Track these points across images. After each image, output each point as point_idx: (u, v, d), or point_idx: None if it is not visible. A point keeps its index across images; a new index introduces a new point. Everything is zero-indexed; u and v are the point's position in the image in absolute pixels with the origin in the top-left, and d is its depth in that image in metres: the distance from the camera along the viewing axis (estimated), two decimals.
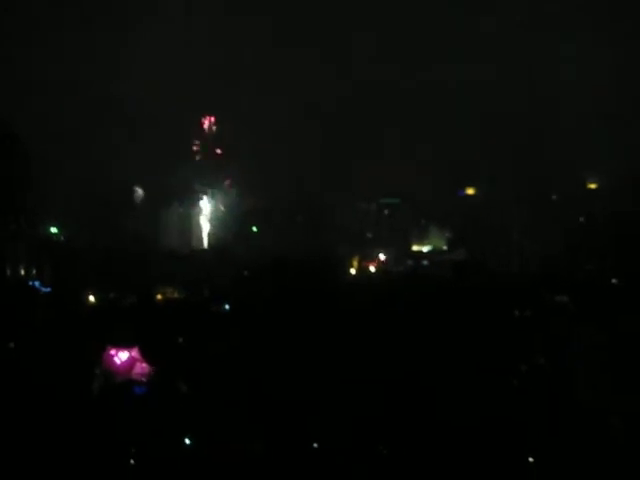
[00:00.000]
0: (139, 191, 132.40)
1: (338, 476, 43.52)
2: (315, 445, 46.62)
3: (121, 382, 56.78)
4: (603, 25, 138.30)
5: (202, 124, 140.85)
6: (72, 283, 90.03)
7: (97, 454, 44.37)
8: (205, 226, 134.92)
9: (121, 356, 58.76)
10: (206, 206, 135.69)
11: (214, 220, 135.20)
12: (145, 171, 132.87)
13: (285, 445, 45.50)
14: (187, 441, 47.46)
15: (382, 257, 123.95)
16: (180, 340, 66.73)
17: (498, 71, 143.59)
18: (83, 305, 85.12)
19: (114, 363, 58.66)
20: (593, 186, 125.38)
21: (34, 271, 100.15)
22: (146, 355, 58.85)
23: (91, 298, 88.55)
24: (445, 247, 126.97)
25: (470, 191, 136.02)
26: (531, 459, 44.42)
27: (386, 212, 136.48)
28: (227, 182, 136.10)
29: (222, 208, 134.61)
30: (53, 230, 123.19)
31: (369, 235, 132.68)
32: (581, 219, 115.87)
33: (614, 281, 77.62)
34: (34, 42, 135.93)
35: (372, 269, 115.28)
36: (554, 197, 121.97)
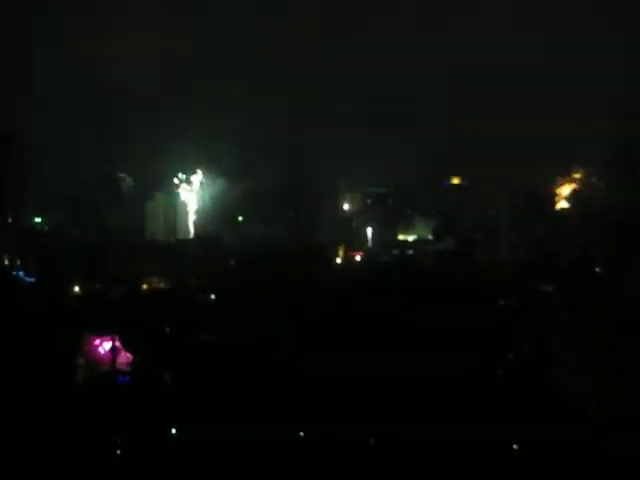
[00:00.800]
0: (128, 179, 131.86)
1: (325, 463, 43.68)
2: (302, 434, 46.76)
3: (105, 372, 56.58)
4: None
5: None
6: (57, 273, 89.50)
7: (82, 444, 44.23)
8: (191, 216, 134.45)
9: (105, 346, 58.53)
10: (192, 195, 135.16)
11: (200, 209, 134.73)
12: (130, 160, 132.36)
13: (272, 433, 45.52)
14: (173, 431, 47.41)
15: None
16: (166, 330, 66.52)
17: (487, 60, 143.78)
18: (68, 296, 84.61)
19: (98, 353, 58.42)
20: (578, 175, 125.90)
21: (18, 261, 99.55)
22: (131, 345, 58.63)
23: (76, 289, 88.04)
24: (430, 237, 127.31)
25: (455, 181, 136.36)
26: (515, 446, 44.73)
27: (371, 201, 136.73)
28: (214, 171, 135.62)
29: (208, 197, 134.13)
30: (37, 220, 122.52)
31: (355, 224, 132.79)
32: (564, 208, 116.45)
33: (597, 270, 77.88)
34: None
35: (358, 258, 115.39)
36: (538, 187, 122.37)
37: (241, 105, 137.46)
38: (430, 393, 49.41)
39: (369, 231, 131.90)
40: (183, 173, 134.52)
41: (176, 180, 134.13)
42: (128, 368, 57.11)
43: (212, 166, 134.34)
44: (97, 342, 58.64)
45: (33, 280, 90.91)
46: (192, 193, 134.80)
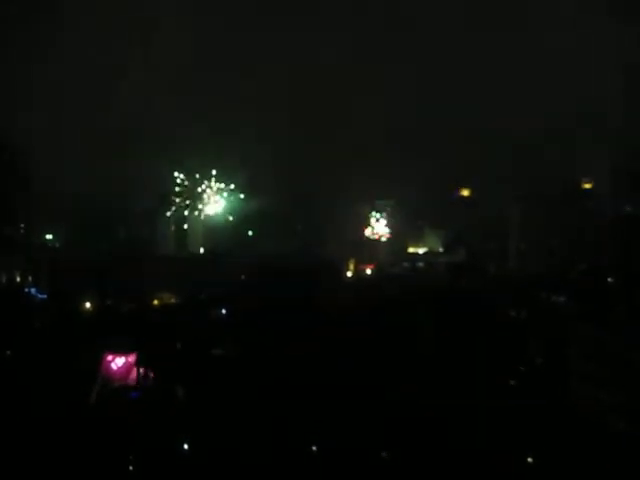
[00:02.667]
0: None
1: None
2: (314, 448, 46.63)
3: (118, 387, 56.66)
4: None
5: None
6: (69, 290, 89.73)
7: (95, 461, 44.25)
8: (201, 231, 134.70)
9: (118, 362, 58.62)
10: (202, 211, 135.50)
11: (210, 225, 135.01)
12: (142, 176, 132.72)
13: (283, 448, 45.44)
14: (185, 446, 47.37)
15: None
16: (178, 346, 66.62)
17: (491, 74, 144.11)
18: (80, 312, 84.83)
19: (111, 369, 58.52)
20: (588, 186, 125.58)
21: (30, 278, 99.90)
22: (144, 361, 58.72)
23: (87, 305, 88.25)
24: (441, 249, 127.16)
25: (465, 192, 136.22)
26: (530, 459, 44.43)
27: (381, 215, 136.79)
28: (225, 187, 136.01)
29: (219, 213, 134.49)
30: (48, 237, 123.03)
31: (365, 237, 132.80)
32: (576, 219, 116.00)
33: (610, 280, 77.60)
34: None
35: (368, 272, 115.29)
36: (549, 198, 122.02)
37: (251, 123, 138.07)
38: (446, 404, 49.31)
39: (379, 244, 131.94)
40: (194, 189, 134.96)
41: (186, 195, 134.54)
42: (138, 384, 57.19)
43: (222, 182, 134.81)
44: (109, 358, 58.74)
45: (45, 297, 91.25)
46: (203, 209, 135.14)
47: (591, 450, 43.33)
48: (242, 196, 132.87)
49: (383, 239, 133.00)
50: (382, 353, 58.13)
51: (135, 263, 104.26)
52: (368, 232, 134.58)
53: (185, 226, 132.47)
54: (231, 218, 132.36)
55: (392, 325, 64.74)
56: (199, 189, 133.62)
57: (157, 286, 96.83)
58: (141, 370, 58.20)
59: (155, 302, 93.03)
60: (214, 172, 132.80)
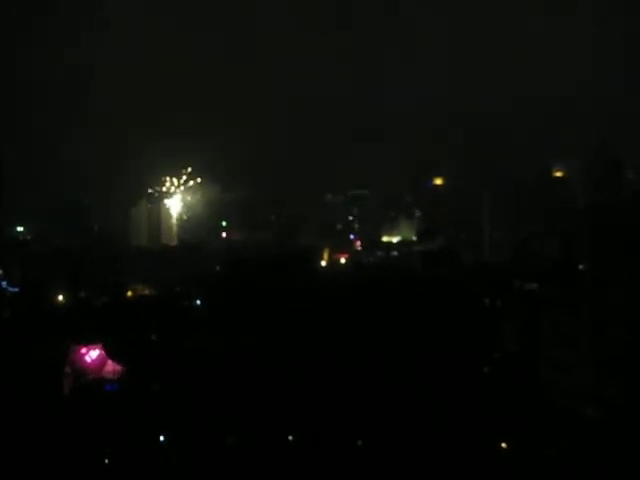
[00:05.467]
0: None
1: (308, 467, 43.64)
2: (290, 438, 46.70)
3: (92, 380, 56.22)
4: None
5: None
6: (41, 282, 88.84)
7: (70, 454, 43.91)
8: (175, 222, 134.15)
9: (92, 354, 58.16)
10: (176, 203, 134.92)
11: (184, 216, 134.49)
12: (113, 169, 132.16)
13: (258, 438, 45.46)
14: (162, 438, 47.18)
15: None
16: (153, 337, 66.33)
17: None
18: (52, 304, 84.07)
19: (85, 361, 58.04)
20: (559, 174, 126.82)
21: (1, 271, 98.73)
22: (118, 352, 58.30)
23: (60, 297, 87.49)
24: (414, 238, 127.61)
25: (438, 181, 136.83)
26: (504, 445, 44.86)
27: (355, 203, 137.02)
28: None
29: (192, 204, 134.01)
30: (19, 229, 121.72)
31: (339, 227, 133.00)
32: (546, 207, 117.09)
33: (581, 267, 78.40)
34: None
35: (343, 260, 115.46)
36: (520, 184, 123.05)
37: (225, 117, 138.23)
38: (419, 391, 49.55)
39: (353, 233, 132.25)
40: (166, 180, 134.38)
41: (159, 187, 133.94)
42: (115, 376, 56.82)
43: (196, 174, 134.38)
44: (83, 351, 58.24)
45: (17, 290, 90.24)
46: (176, 200, 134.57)
47: (558, 435, 43.90)
48: (215, 189, 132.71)
49: (357, 228, 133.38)
50: (355, 342, 58.21)
51: (108, 255, 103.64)
52: (342, 221, 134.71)
53: (158, 217, 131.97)
54: (200, 210, 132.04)
55: (365, 313, 64.86)
56: (168, 183, 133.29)
57: (131, 278, 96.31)
58: (115, 363, 57.85)
59: (129, 293, 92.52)
60: (189, 168, 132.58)
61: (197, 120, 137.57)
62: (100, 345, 58.36)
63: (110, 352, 58.05)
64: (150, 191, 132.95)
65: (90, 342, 58.29)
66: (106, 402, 51.05)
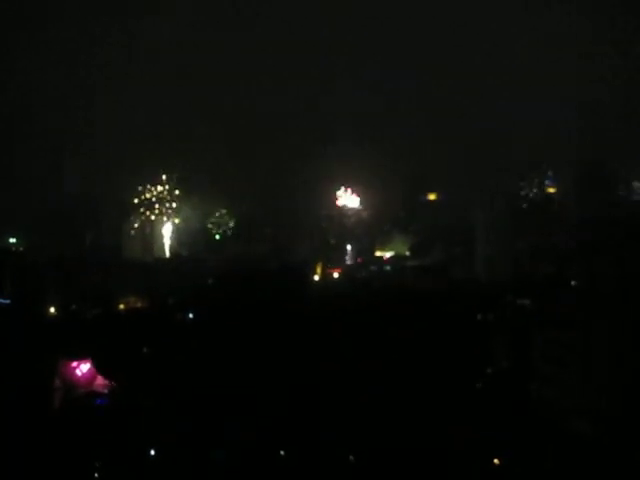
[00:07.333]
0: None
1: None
2: (282, 452, 46.53)
3: (82, 394, 55.92)
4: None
5: None
6: (33, 295, 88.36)
7: (61, 468, 43.63)
8: (167, 235, 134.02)
9: (82, 368, 57.89)
10: (168, 215, 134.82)
11: (177, 229, 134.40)
12: (107, 182, 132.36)
13: (249, 453, 45.29)
14: (152, 452, 46.95)
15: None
16: (144, 350, 65.98)
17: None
18: (44, 317, 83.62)
19: (75, 375, 57.76)
20: (551, 190, 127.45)
21: None
22: (107, 367, 58.01)
23: (52, 310, 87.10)
24: (407, 253, 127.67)
25: (432, 197, 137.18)
26: (496, 461, 44.77)
27: (349, 218, 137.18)
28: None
29: (186, 217, 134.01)
30: (12, 240, 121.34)
31: (332, 241, 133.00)
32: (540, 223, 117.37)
33: (573, 283, 78.56)
34: None
35: (336, 275, 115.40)
36: (514, 203, 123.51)
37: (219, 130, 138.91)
38: (412, 406, 49.46)
39: (347, 248, 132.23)
40: (160, 193, 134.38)
41: (153, 199, 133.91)
42: (106, 390, 56.54)
43: (189, 187, 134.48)
44: (74, 365, 57.97)
45: (8, 302, 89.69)
46: (169, 213, 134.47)
47: (549, 452, 43.86)
48: (210, 201, 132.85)
49: (351, 243, 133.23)
50: (346, 356, 58.08)
51: (101, 268, 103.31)
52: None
53: (151, 231, 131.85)
54: (194, 223, 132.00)
55: (357, 327, 64.76)
56: (159, 195, 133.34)
57: (123, 290, 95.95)
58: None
59: (121, 306, 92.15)
60: (174, 179, 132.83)
61: (196, 132, 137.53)
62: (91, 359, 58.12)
63: (99, 367, 57.79)
64: (141, 202, 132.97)
65: (81, 355, 58.04)
66: (96, 416, 50.79)
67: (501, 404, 51.36)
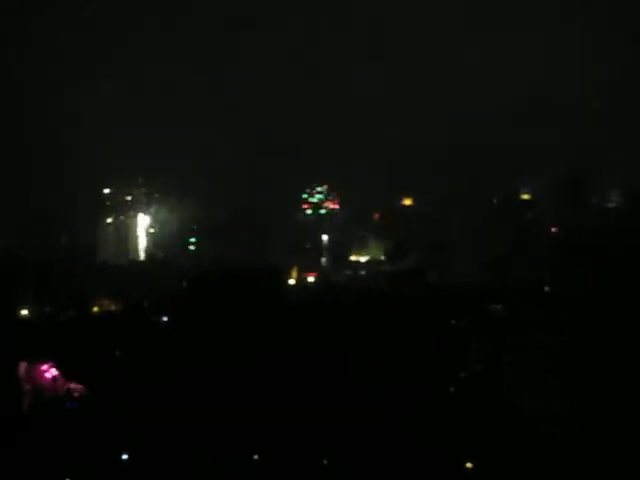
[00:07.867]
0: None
1: None
2: (256, 457, 46.47)
3: (52, 397, 55.30)
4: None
5: None
6: (3, 296, 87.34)
7: (32, 474, 43.18)
8: (142, 237, 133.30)
9: (53, 371, 57.32)
10: (143, 217, 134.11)
11: (152, 231, 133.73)
12: (81, 183, 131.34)
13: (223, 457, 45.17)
14: (125, 457, 46.60)
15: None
16: (117, 353, 65.47)
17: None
18: (15, 319, 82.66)
19: (45, 378, 57.16)
20: (526, 197, 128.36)
21: None
22: (75, 371, 57.42)
23: (24, 312, 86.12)
24: (383, 257, 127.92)
25: (407, 202, 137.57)
26: (469, 465, 44.99)
27: (324, 221, 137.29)
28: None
29: (160, 220, 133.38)
30: None
31: (308, 245, 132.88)
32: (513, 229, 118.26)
33: (547, 289, 79.39)
34: None
35: (311, 279, 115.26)
36: (487, 207, 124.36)
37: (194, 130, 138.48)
38: (384, 411, 49.52)
39: (322, 252, 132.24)
40: (136, 195, 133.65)
41: (128, 201, 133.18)
42: (76, 394, 55.96)
43: (164, 189, 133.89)
44: (44, 367, 57.37)
45: None
46: (144, 215, 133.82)
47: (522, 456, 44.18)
48: (185, 203, 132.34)
49: (326, 247, 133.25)
50: (317, 363, 58.08)
51: (75, 270, 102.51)
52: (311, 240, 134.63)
53: (126, 233, 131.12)
54: (169, 226, 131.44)
55: (333, 331, 64.84)
56: (135, 197, 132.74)
57: (97, 293, 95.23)
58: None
59: (95, 309, 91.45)
60: (142, 181, 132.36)
61: (171, 134, 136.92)
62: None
63: (68, 370, 57.22)
64: (117, 203, 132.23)
65: (51, 358, 57.48)
66: (67, 420, 50.29)
67: (474, 408, 51.63)
